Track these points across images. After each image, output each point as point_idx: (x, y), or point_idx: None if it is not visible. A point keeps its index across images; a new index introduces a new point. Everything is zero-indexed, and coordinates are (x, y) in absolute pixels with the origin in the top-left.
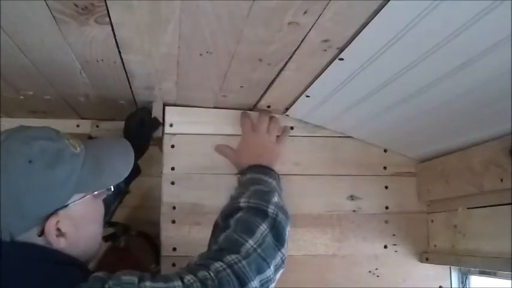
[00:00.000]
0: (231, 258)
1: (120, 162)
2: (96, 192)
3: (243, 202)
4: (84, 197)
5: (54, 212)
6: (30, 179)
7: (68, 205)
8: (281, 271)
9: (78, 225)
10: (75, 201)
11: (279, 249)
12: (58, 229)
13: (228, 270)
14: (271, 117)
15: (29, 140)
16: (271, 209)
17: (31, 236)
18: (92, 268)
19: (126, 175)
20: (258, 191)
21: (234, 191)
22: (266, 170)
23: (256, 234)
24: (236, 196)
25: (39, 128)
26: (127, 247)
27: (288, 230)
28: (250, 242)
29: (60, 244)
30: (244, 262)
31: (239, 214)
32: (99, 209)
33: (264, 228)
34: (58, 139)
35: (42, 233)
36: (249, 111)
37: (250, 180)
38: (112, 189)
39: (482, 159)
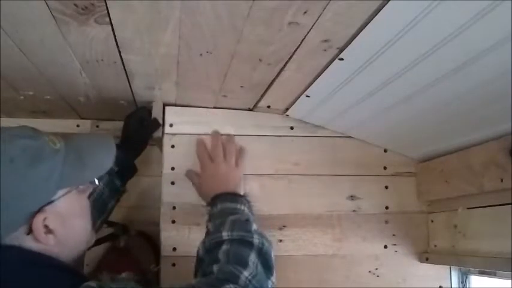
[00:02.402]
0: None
1: (102, 154)
2: (80, 187)
3: (225, 235)
4: (69, 192)
5: (41, 209)
6: (13, 177)
7: (53, 201)
8: None
9: (65, 220)
10: (60, 196)
11: (270, 278)
12: (46, 226)
13: None
14: (226, 139)
15: (9, 139)
16: (256, 239)
17: (19, 237)
18: (92, 268)
19: (108, 167)
20: (237, 221)
21: (209, 223)
22: (234, 197)
23: (249, 265)
24: (215, 229)
25: (18, 127)
26: (127, 247)
27: (273, 256)
28: (245, 273)
29: (49, 241)
30: None
31: (224, 247)
32: (85, 204)
33: (253, 258)
34: (38, 137)
35: (30, 231)
36: (203, 136)
37: (223, 210)
38: (96, 182)
39: (482, 159)
